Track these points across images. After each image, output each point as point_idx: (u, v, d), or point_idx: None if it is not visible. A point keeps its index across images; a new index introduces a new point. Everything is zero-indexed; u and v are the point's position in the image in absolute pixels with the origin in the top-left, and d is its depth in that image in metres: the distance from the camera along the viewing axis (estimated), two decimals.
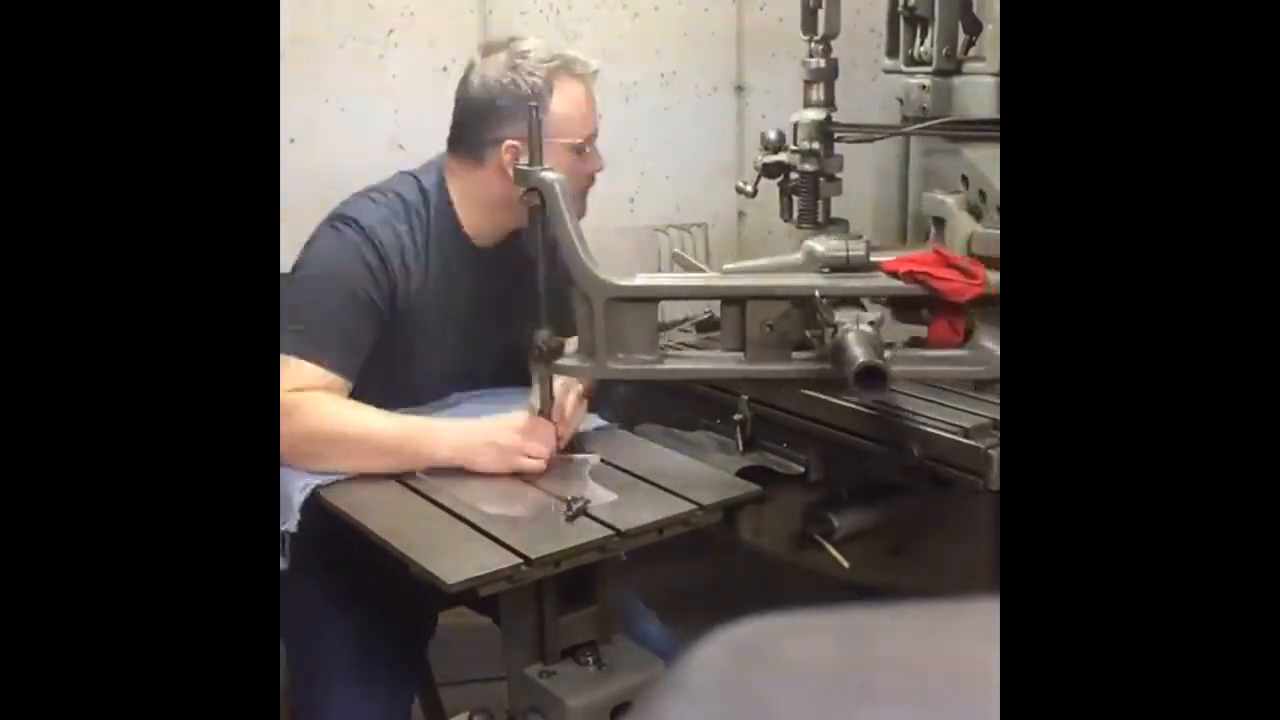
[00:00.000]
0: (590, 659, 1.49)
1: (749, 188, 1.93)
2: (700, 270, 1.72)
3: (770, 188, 2.02)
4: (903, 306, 1.53)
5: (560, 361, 1.52)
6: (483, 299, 1.78)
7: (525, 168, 1.49)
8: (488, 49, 1.73)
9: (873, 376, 1.34)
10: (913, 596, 0.45)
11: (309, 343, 1.58)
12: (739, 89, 2.67)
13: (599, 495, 1.50)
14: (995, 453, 1.50)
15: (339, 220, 1.66)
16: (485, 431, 1.59)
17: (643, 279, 1.53)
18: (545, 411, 1.59)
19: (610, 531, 1.41)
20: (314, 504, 1.53)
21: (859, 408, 1.67)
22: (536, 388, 1.61)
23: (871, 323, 1.42)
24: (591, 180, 1.76)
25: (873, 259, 1.50)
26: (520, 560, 1.32)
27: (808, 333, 1.49)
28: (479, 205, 1.74)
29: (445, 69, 2.35)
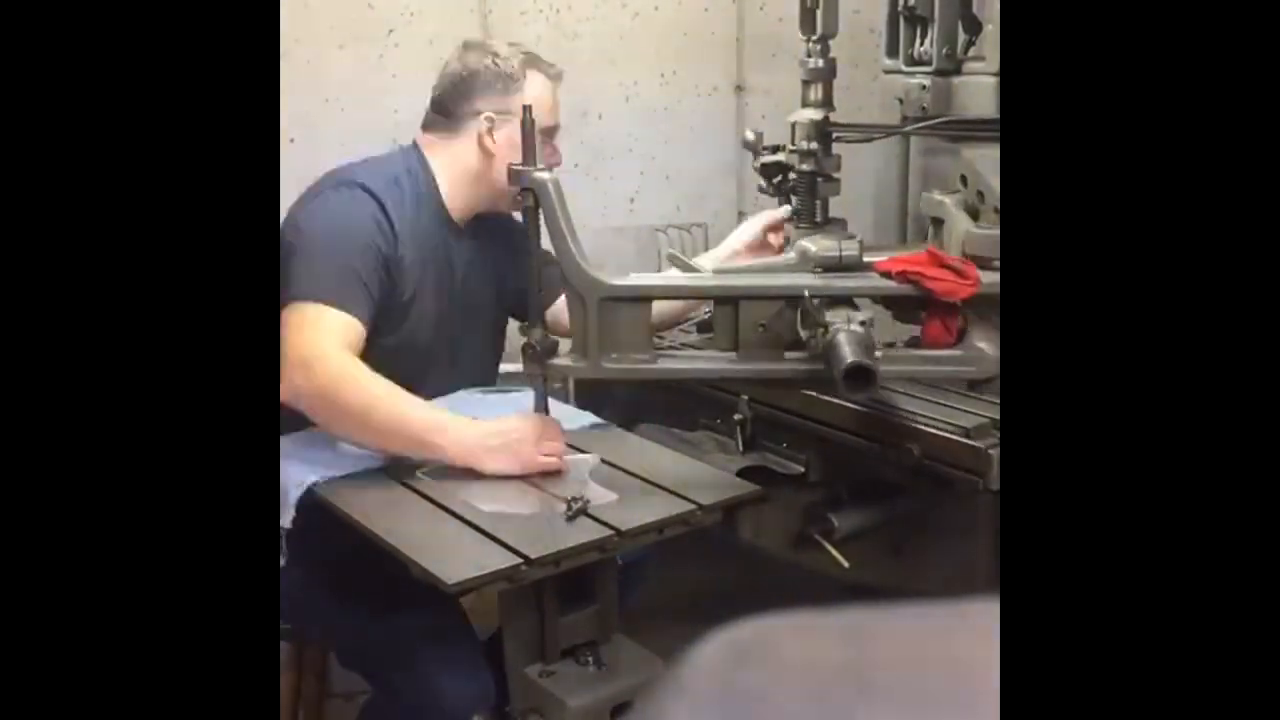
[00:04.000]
0: (590, 659, 1.49)
1: (749, 136, 1.94)
2: (694, 270, 1.72)
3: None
4: (895, 306, 1.53)
5: (553, 361, 1.53)
6: (460, 274, 1.84)
7: (519, 167, 1.50)
8: (467, 46, 1.85)
9: (860, 376, 1.34)
10: (913, 596, 0.45)
11: (331, 289, 1.60)
12: (739, 89, 2.67)
13: (599, 495, 1.50)
14: (995, 453, 1.50)
15: (341, 183, 1.71)
16: (499, 433, 1.58)
17: (635, 278, 1.54)
18: (542, 410, 1.60)
19: (610, 531, 1.41)
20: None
21: (859, 408, 1.67)
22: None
23: (863, 322, 1.42)
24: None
25: (866, 259, 1.51)
26: (520, 560, 1.32)
27: (802, 332, 1.50)
28: (455, 177, 1.81)
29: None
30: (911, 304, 1.51)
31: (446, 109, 1.82)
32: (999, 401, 1.55)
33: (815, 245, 1.52)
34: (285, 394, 1.54)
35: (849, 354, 1.35)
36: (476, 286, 1.88)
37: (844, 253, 1.50)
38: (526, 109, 1.50)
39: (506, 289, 1.92)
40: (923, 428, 1.59)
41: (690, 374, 1.60)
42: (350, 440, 1.59)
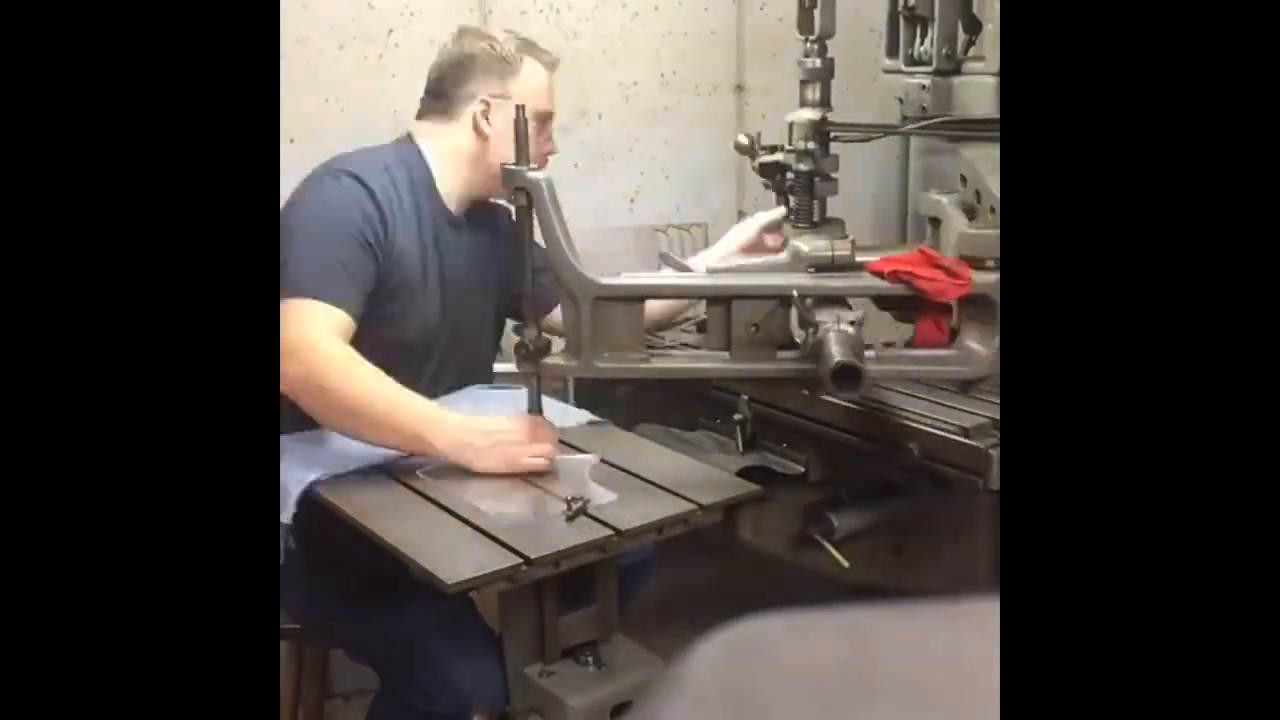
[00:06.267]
0: (590, 659, 1.49)
1: (742, 140, 1.93)
2: (687, 269, 1.72)
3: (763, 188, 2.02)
4: (888, 306, 1.53)
5: (547, 360, 1.53)
6: (456, 264, 1.83)
7: (512, 167, 1.49)
8: (463, 31, 1.86)
9: (847, 375, 1.35)
10: (913, 596, 0.45)
11: (317, 282, 1.59)
12: (739, 89, 2.67)
13: (599, 495, 1.50)
14: (995, 453, 1.50)
15: (332, 171, 1.71)
16: (489, 432, 1.57)
17: (628, 278, 1.54)
18: (535, 409, 1.59)
19: (610, 531, 1.40)
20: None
21: (859, 407, 1.67)
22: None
23: (853, 322, 1.42)
24: (545, 162, 1.82)
25: (859, 259, 1.51)
26: (520, 560, 1.32)
27: (799, 333, 1.50)
28: (450, 162, 1.81)
29: None
30: (904, 304, 1.51)
31: (442, 93, 1.83)
32: (999, 401, 1.55)
33: (807, 245, 1.53)
34: (282, 385, 1.53)
35: (836, 353, 1.35)
36: (472, 278, 1.86)
37: (836, 253, 1.50)
38: (519, 108, 1.50)
39: (504, 285, 1.91)
40: (923, 428, 1.59)
41: (683, 373, 1.60)
42: (344, 430, 1.58)
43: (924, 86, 1.89)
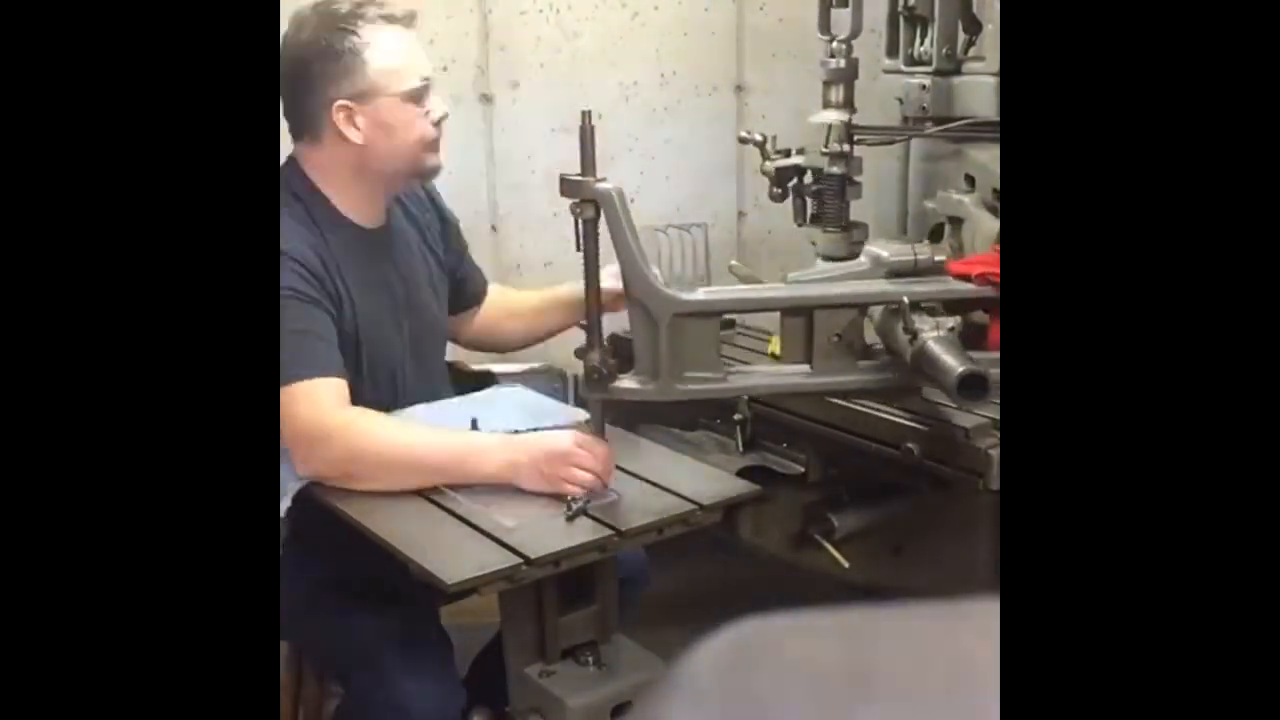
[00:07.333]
0: (590, 659, 1.49)
1: (755, 136, 1.92)
2: (756, 280, 1.65)
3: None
4: (968, 309, 1.48)
5: (619, 384, 1.44)
6: (396, 278, 1.72)
7: (577, 178, 1.40)
8: (297, 20, 1.60)
9: (973, 384, 1.30)
10: (913, 596, 0.45)
11: (302, 362, 1.51)
12: (739, 89, 2.67)
13: (599, 495, 1.50)
14: (995, 453, 1.50)
15: None
16: (533, 450, 1.49)
17: (707, 293, 1.46)
18: (599, 433, 1.51)
19: (610, 531, 1.41)
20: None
21: (859, 408, 1.67)
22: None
23: (951, 328, 1.38)
24: (439, 130, 1.64)
25: (938, 260, 1.47)
26: (520, 560, 1.32)
27: (900, 340, 1.43)
28: (342, 184, 1.63)
29: (445, 69, 2.35)
30: (984, 306, 1.47)
31: (294, 109, 1.61)
32: (999, 401, 1.55)
33: (887, 250, 1.49)
34: (306, 472, 1.51)
35: (957, 363, 1.30)
36: (414, 283, 1.76)
37: (919, 257, 1.46)
38: (585, 114, 1.38)
39: (442, 273, 1.82)
40: (923, 428, 1.59)
41: (765, 389, 1.55)
42: (390, 485, 1.50)
43: (924, 86, 1.89)
